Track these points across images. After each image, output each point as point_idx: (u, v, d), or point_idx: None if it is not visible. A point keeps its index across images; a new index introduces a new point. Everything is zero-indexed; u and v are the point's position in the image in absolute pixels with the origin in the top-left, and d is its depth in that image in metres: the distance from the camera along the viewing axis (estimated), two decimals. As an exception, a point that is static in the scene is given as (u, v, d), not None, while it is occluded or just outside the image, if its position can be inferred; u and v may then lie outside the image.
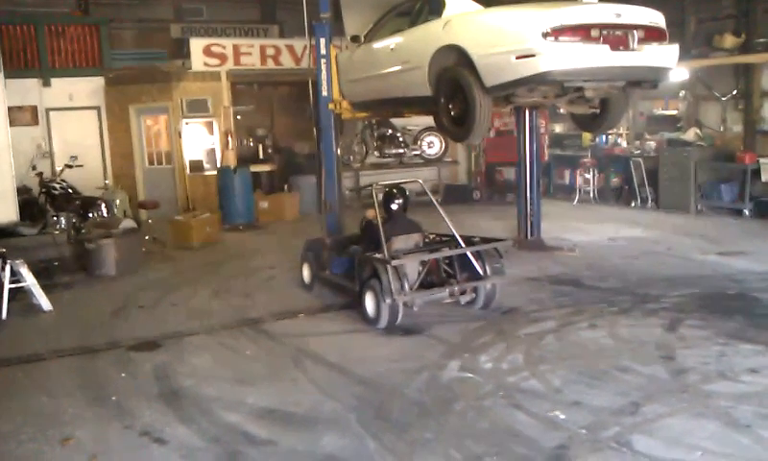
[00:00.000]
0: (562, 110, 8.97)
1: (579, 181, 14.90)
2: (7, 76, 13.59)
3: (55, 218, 10.77)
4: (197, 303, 8.34)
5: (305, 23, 9.49)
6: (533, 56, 6.01)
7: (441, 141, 15.77)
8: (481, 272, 7.12)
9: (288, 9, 17.79)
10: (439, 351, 6.15)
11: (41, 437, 4.82)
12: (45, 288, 8.36)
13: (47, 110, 14.84)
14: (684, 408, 4.75)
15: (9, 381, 5.98)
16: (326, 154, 9.19)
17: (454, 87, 6.85)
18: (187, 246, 11.68)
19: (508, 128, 15.56)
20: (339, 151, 9.42)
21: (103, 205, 11.53)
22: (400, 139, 15.58)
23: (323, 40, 8.89)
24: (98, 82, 15.19)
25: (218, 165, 14.65)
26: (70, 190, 12.44)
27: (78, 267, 10.00)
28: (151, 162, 15.45)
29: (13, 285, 8.13)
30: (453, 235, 7.35)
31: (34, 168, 13.51)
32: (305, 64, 12.04)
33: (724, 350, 5.82)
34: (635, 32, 6.27)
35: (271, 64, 15.47)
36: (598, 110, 7.49)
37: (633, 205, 13.93)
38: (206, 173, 14.95)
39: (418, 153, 15.78)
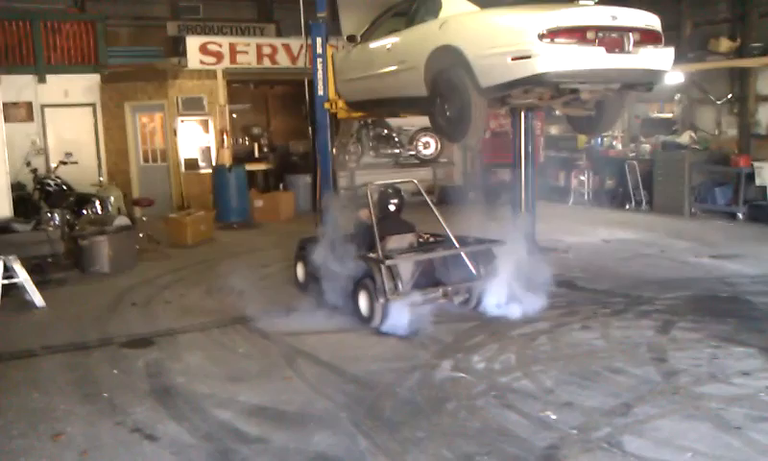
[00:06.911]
0: (557, 112, 8.99)
1: (574, 182, 14.93)
2: (2, 72, 13.67)
3: (49, 215, 10.72)
4: (190, 300, 8.34)
5: (302, 22, 9.49)
6: (529, 57, 6.01)
7: (436, 142, 15.74)
8: (475, 272, 7.13)
9: (285, 8, 17.81)
10: (432, 350, 6.16)
11: (32, 433, 4.81)
12: (38, 285, 8.34)
13: (42, 107, 14.80)
14: (675, 410, 4.76)
15: (0, 377, 5.95)
16: (322, 153, 9.19)
17: (450, 88, 6.86)
18: (181, 244, 11.67)
19: (504, 129, 15.58)
20: (334, 150, 9.41)
21: (97, 202, 11.51)
22: (396, 139, 15.56)
23: (319, 40, 8.87)
24: (94, 79, 15.16)
25: (213, 163, 14.64)
26: (64, 187, 12.41)
27: (71, 264, 9.97)
28: (146, 160, 15.42)
29: (6, 281, 8.11)
30: (447, 236, 7.36)
31: (28, 164, 13.49)
32: (302, 64, 12.00)
33: (716, 352, 5.83)
34: (630, 34, 6.28)
35: (267, 63, 15.45)
36: (593, 113, 7.50)
37: (627, 207, 13.96)
38: (201, 171, 14.95)
39: (413, 153, 15.77)
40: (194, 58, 14.88)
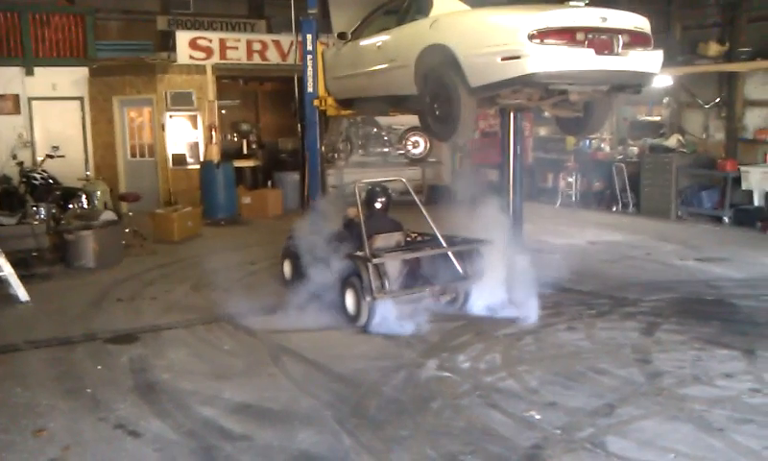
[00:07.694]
0: (546, 114, 9.00)
1: (561, 184, 14.96)
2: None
3: (34, 208, 10.65)
4: (176, 296, 8.30)
5: (293, 19, 9.44)
6: (518, 57, 6.01)
7: (425, 141, 15.74)
8: (462, 272, 7.13)
9: (276, 4, 17.73)
10: (417, 349, 6.16)
11: (14, 428, 4.77)
12: (23, 279, 8.27)
13: (29, 100, 14.68)
14: (658, 411, 4.79)
15: (-18, 371, 5.91)
16: (311, 151, 9.16)
17: (439, 87, 6.84)
18: (168, 240, 11.60)
19: (493, 129, 15.60)
20: (323, 148, 9.38)
21: (83, 196, 11.43)
22: (385, 138, 15.56)
23: (309, 36, 8.84)
24: (82, 72, 15.05)
25: (201, 159, 14.57)
26: (51, 181, 12.32)
27: (57, 258, 9.88)
28: (133, 155, 15.35)
29: (-10, 275, 8.05)
30: (435, 235, 7.36)
31: (14, 157, 13.36)
32: (292, 60, 11.99)
33: (700, 354, 5.87)
34: (620, 36, 6.29)
35: (257, 59, 15.42)
36: (582, 114, 7.51)
37: (614, 209, 14.01)
38: (189, 167, 14.89)
39: (402, 152, 15.76)
40: (183, 52, 14.83)
